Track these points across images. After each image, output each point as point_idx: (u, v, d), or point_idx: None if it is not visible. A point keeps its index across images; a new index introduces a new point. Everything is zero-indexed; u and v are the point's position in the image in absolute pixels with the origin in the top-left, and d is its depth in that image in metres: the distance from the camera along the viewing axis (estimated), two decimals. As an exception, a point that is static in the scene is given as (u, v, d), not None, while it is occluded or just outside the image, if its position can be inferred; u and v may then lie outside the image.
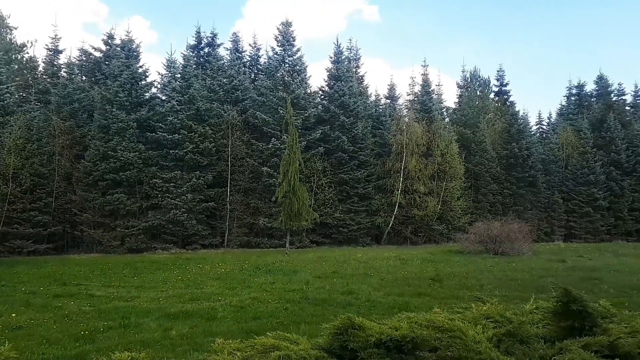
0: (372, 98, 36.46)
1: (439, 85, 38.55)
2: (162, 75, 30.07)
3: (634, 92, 43.37)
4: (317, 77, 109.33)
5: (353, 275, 15.99)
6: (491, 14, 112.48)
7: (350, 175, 29.52)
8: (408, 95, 36.40)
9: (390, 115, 33.39)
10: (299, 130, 27.10)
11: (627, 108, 42.16)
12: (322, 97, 32.46)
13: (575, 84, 43.91)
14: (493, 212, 32.27)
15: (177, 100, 26.66)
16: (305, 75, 31.18)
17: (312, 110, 29.35)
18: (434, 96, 36.41)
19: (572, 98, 43.80)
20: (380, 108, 35.22)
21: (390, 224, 30.33)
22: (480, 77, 42.61)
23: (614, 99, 42.01)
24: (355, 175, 29.60)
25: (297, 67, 30.36)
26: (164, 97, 28.47)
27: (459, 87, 41.83)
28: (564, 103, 44.54)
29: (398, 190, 30.48)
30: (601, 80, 42.65)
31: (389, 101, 36.59)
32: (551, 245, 29.27)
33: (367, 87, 36.43)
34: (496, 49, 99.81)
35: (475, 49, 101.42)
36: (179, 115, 26.18)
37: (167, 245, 25.37)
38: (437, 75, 79.89)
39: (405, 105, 36.24)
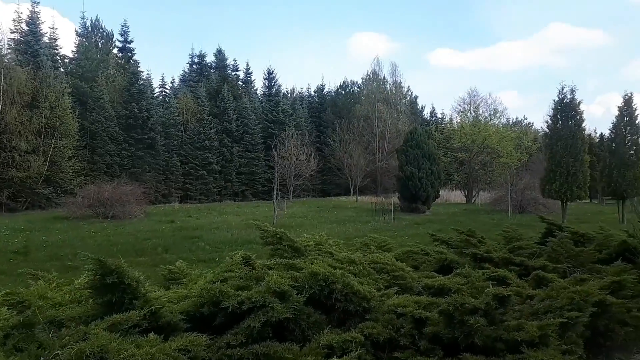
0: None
1: (53, 29, 33.10)
2: None
3: (245, 69, 49.04)
4: None
5: None
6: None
7: None
8: (12, 32, 29.85)
9: (-18, 52, 26.52)
10: None
11: (240, 83, 47.38)
12: None
13: (197, 53, 46.10)
14: (110, 174, 30.54)
15: None
16: None
17: None
18: (45, 39, 31.18)
19: (194, 66, 45.94)
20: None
21: (-22, 188, 24.43)
22: (103, 29, 39.06)
23: (229, 72, 46.43)
24: None
25: None
26: None
27: (78, 35, 37.23)
28: (186, 70, 46.22)
29: (-10, 146, 24.78)
30: (219, 54, 46.17)
31: (-20, 35, 28.94)
32: (166, 207, 29.96)
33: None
34: (121, 3, 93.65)
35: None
36: None
37: None
38: (53, 17, 69.07)
39: (8, 44, 29.69)
